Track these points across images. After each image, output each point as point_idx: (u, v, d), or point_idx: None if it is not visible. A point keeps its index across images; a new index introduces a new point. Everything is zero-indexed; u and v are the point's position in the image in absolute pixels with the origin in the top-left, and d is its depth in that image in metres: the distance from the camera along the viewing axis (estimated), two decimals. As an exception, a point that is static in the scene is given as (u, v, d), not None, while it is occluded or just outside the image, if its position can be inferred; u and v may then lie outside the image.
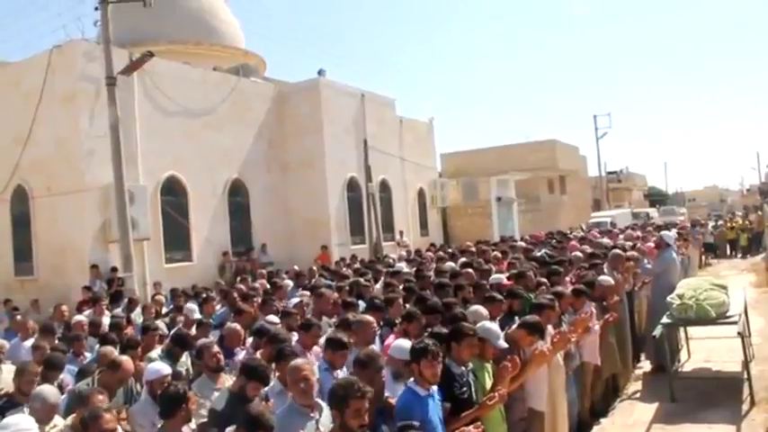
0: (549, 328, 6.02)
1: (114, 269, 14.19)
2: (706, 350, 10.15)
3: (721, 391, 8.39)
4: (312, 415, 4.20)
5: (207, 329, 7.52)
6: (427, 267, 12.04)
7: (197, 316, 8.52)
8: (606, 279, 8.33)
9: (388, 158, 23.48)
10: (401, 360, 4.72)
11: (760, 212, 32.67)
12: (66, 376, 6.38)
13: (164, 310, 10.36)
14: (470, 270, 9.87)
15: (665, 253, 10.33)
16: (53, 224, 15.34)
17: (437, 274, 10.25)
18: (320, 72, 21.55)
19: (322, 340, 6.23)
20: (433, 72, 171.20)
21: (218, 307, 9.68)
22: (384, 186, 23.27)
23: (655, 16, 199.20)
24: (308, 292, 9.75)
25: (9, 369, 6.46)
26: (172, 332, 7.49)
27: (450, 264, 11.53)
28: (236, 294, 9.97)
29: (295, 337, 6.22)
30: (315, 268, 14.09)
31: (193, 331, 7.55)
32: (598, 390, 7.91)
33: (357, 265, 14.28)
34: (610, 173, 51.92)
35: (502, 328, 5.61)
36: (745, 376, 8.28)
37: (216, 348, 5.60)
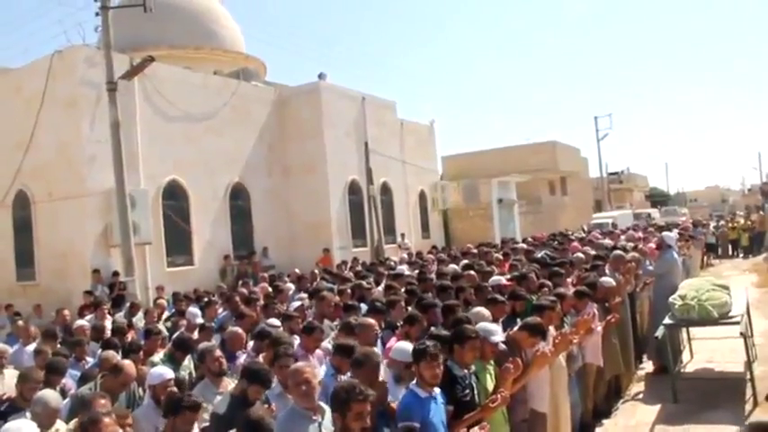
0: (551, 329, 6.03)
1: (116, 273, 14.20)
2: (708, 351, 10.15)
3: (724, 392, 8.39)
4: (315, 418, 4.19)
5: (209, 333, 7.52)
6: (429, 270, 12.05)
7: (200, 320, 8.52)
8: (608, 280, 8.33)
9: (389, 161, 23.48)
10: (402, 362, 4.72)
11: (762, 212, 32.74)
12: (69, 381, 6.39)
13: (165, 315, 10.35)
14: (472, 272, 9.87)
15: (666, 254, 10.34)
16: (55, 229, 15.35)
17: (439, 276, 10.25)
18: (320, 75, 21.57)
19: (324, 344, 6.26)
20: (433, 75, 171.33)
21: (220, 311, 9.69)
22: (385, 189, 23.27)
23: (656, 17, 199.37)
24: (307, 296, 9.77)
25: (12, 374, 6.49)
26: (174, 336, 7.49)
27: (452, 266, 11.54)
28: (237, 298, 9.97)
29: (297, 340, 6.23)
30: (316, 271, 14.09)
31: (196, 335, 7.56)
32: (600, 391, 7.90)
33: (359, 268, 14.29)
34: (611, 174, 51.94)
35: (504, 330, 5.62)
36: (748, 377, 8.27)
37: (218, 352, 5.60)
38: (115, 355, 6.36)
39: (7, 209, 16.26)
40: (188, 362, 6.63)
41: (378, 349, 5.82)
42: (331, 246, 19.70)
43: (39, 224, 15.77)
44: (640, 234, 17.77)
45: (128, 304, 11.64)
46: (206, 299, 10.49)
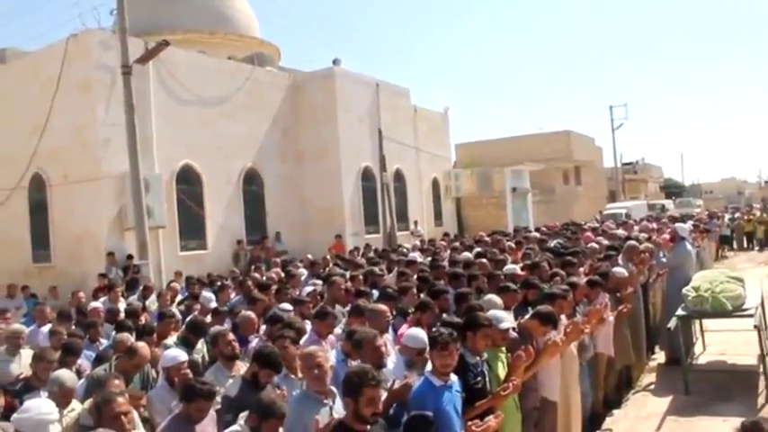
0: (563, 318, 6.03)
1: (130, 257, 14.29)
2: (721, 343, 10.10)
3: (736, 385, 8.35)
4: (326, 402, 4.23)
5: (223, 317, 7.57)
6: (441, 257, 12.05)
7: (213, 305, 8.57)
8: (620, 270, 8.31)
9: (403, 148, 23.46)
10: (415, 349, 4.74)
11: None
12: (84, 362, 6.46)
13: (178, 298, 10.42)
14: (484, 260, 9.86)
15: (680, 245, 10.28)
16: (70, 212, 15.47)
17: (451, 264, 10.25)
18: (335, 61, 21.54)
19: (337, 329, 6.28)
20: (448, 62, 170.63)
21: (232, 295, 9.74)
22: (398, 176, 23.26)
23: (673, 5, 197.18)
24: (320, 281, 9.81)
25: (28, 354, 6.54)
26: (187, 319, 7.55)
27: (465, 254, 11.54)
28: (250, 283, 10.02)
29: (309, 325, 6.26)
30: (329, 257, 14.12)
31: (209, 319, 7.60)
32: (611, 381, 7.90)
33: (371, 255, 14.32)
34: (625, 164, 51.65)
35: (516, 318, 5.63)
36: (761, 370, 8.25)
37: (231, 336, 5.63)
38: (129, 338, 6.42)
39: (23, 191, 16.39)
40: (201, 345, 6.66)
41: (389, 336, 5.85)
42: (344, 232, 19.74)
43: (54, 207, 15.89)
44: (654, 225, 17.67)
45: (141, 287, 11.73)
46: (219, 283, 10.52)
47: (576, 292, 6.87)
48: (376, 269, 10.10)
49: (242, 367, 5.38)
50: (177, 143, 16.56)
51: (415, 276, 8.89)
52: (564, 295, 6.17)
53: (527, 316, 5.85)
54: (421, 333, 4.76)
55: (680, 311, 8.48)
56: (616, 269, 8.34)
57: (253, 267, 14.07)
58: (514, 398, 4.95)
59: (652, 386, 8.75)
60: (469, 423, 4.22)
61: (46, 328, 8.20)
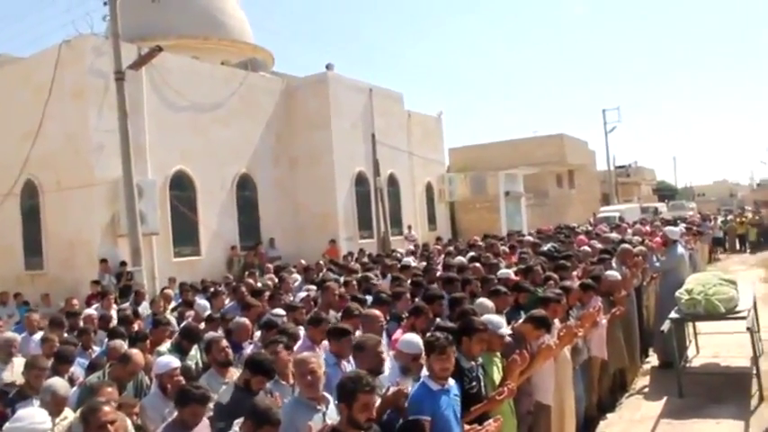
0: (556, 322, 6.04)
1: (123, 263, 14.25)
2: (714, 345, 10.12)
3: (730, 387, 8.38)
4: (319, 408, 4.22)
5: (216, 324, 7.56)
6: (435, 262, 12.06)
7: (208, 312, 8.55)
8: (613, 274, 8.32)
9: (396, 153, 23.47)
10: (410, 354, 4.73)
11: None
12: (77, 369, 6.44)
13: (172, 305, 10.39)
14: (478, 264, 9.88)
15: (672, 249, 10.31)
16: (63, 218, 15.40)
17: (445, 268, 10.27)
18: (328, 66, 21.53)
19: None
20: (441, 67, 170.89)
21: (226, 301, 9.72)
22: (392, 181, 23.27)
23: (665, 9, 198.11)
24: (314, 287, 9.80)
25: (21, 362, 6.53)
26: (181, 325, 7.53)
27: (459, 258, 11.56)
28: (244, 289, 10.01)
29: (302, 331, 6.26)
30: (322, 262, 14.11)
31: (203, 326, 7.59)
32: (605, 384, 7.90)
33: (365, 260, 14.31)
34: (618, 167, 51.79)
35: (508, 322, 5.64)
36: (754, 371, 8.27)
37: (224, 342, 5.63)
38: (123, 345, 6.41)
39: (16, 198, 16.32)
40: (195, 351, 6.66)
41: (384, 341, 5.85)
42: (337, 237, 19.74)
43: (47, 213, 15.83)
44: (648, 228, 17.73)
45: (133, 294, 11.72)
46: (213, 289, 10.52)
47: (570, 295, 6.89)
48: (370, 275, 10.10)
49: (235, 374, 5.37)
50: (170, 149, 16.52)
51: (409, 281, 8.89)
52: (557, 299, 6.18)
53: (521, 320, 5.85)
54: (416, 338, 4.75)
55: (673, 314, 8.49)
56: (609, 272, 8.35)
57: (246, 273, 14.04)
58: (510, 402, 4.96)
59: (646, 389, 8.77)
60: (467, 428, 4.23)
61: (37, 335, 8.18)
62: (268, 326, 6.45)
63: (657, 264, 10.29)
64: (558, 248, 12.35)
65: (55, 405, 4.68)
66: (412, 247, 17.87)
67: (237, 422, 3.85)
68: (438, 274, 9.70)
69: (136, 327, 8.08)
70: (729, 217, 32.59)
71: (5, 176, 16.18)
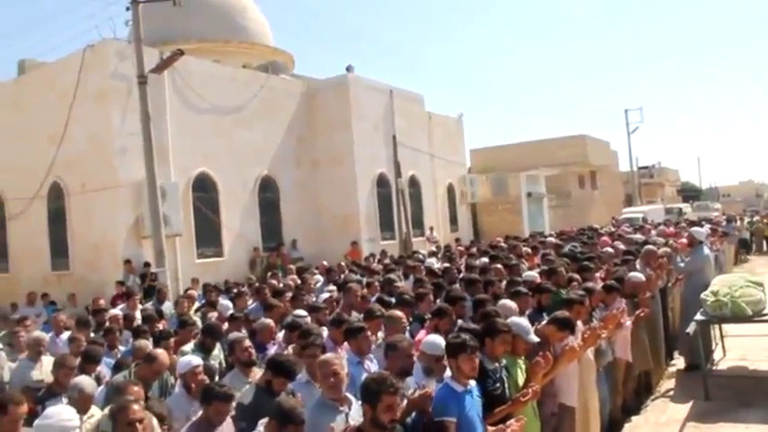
0: (580, 323, 6.00)
1: (147, 264, 14.39)
2: (742, 348, 9.98)
3: (758, 391, 8.23)
4: (341, 409, 4.23)
5: (239, 323, 7.62)
6: (457, 263, 12.05)
7: (231, 312, 8.61)
8: (637, 275, 8.24)
9: (418, 154, 23.48)
10: (433, 356, 4.73)
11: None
12: (103, 368, 6.52)
13: (195, 305, 10.47)
14: (499, 266, 9.84)
15: (697, 250, 10.19)
16: (88, 220, 15.59)
17: (467, 269, 10.26)
18: (348, 68, 21.59)
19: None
20: (461, 68, 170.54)
21: (249, 302, 9.77)
22: (413, 182, 23.28)
23: (688, 7, 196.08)
24: (336, 288, 9.84)
25: (49, 361, 6.64)
26: (203, 324, 7.60)
27: (483, 260, 11.54)
28: (267, 290, 10.06)
29: (325, 331, 6.28)
30: (344, 264, 14.14)
31: (226, 326, 7.64)
32: (630, 386, 7.84)
33: (387, 261, 14.32)
34: (642, 168, 51.29)
35: (531, 324, 5.61)
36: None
37: (247, 342, 5.67)
38: (148, 345, 6.47)
39: (42, 200, 16.55)
40: (218, 351, 6.72)
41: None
42: (359, 238, 19.77)
43: (72, 215, 16.02)
44: (672, 229, 17.55)
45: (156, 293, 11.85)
46: (236, 290, 10.58)
47: (593, 297, 6.85)
48: (393, 276, 10.11)
49: (259, 374, 5.41)
50: (193, 151, 16.66)
51: (431, 282, 8.88)
52: (581, 301, 6.14)
53: (544, 322, 5.83)
54: (439, 339, 4.75)
55: (699, 316, 8.39)
56: (632, 274, 8.28)
57: (269, 274, 14.10)
58: (533, 404, 4.94)
59: (671, 392, 8.66)
60: (491, 429, 4.22)
61: (64, 335, 8.30)
62: (291, 327, 6.48)
63: (682, 265, 10.17)
64: (579, 249, 12.28)
65: (82, 403, 4.76)
66: (434, 249, 17.86)
67: (262, 422, 3.86)
68: (460, 275, 9.68)
69: (160, 326, 8.15)
70: (756, 218, 32.10)
71: (32, 179, 16.39)
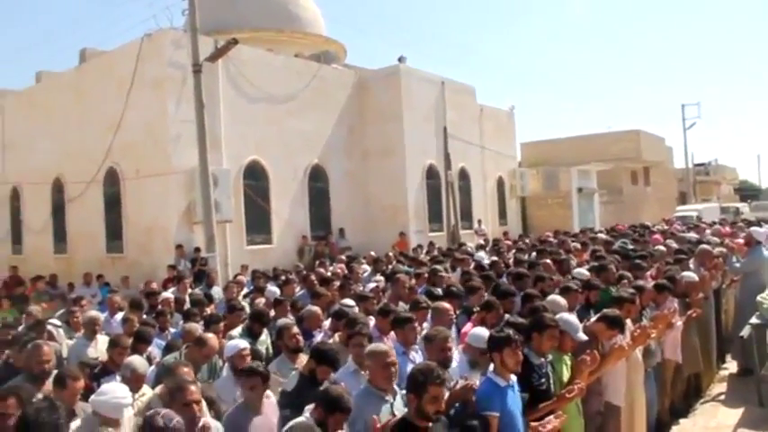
0: (629, 322, 5.91)
1: (198, 249, 14.66)
2: (798, 353, 9.67)
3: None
4: (387, 398, 4.26)
5: (284, 307, 7.73)
6: (505, 257, 11.97)
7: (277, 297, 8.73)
8: (690, 275, 8.06)
9: (468, 147, 23.36)
10: (478, 348, 4.72)
11: None
12: (154, 349, 6.69)
13: (244, 291, 10.64)
14: (548, 261, 9.73)
15: (755, 251, 9.89)
16: (141, 205, 15.96)
17: (515, 264, 10.18)
18: (401, 59, 21.57)
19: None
20: (514, 60, 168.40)
21: (297, 289, 9.88)
22: (463, 174, 23.19)
23: (748, 1, 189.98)
24: (383, 278, 9.87)
25: (104, 340, 6.88)
26: (251, 309, 7.72)
27: (532, 254, 11.45)
28: (314, 277, 10.15)
29: (372, 321, 6.31)
30: (392, 254, 14.17)
31: (273, 312, 7.76)
32: (678, 388, 7.70)
33: (435, 253, 14.30)
34: (697, 165, 50.09)
35: (579, 320, 5.55)
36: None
37: (295, 329, 5.75)
38: (198, 328, 6.61)
39: (99, 185, 16.99)
40: (265, 337, 6.83)
41: (452, 334, 5.86)
42: (407, 229, 19.79)
43: (127, 200, 16.42)
44: (728, 229, 17.07)
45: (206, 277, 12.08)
46: (284, 277, 10.70)
47: (644, 295, 6.73)
48: (439, 267, 10.10)
49: (305, 360, 5.48)
50: (245, 139, 16.88)
51: (479, 275, 8.84)
52: (631, 299, 6.05)
53: (593, 319, 5.76)
54: (485, 332, 4.74)
55: (754, 319, 8.16)
56: (686, 273, 8.10)
57: (317, 262, 14.22)
58: (577, 401, 4.91)
59: (722, 396, 8.44)
60: (534, 424, 4.20)
61: (118, 316, 8.54)
62: (338, 315, 6.54)
63: (738, 266, 9.90)
64: (630, 246, 12.05)
65: (135, 381, 4.90)
66: (482, 242, 17.76)
67: (308, 408, 3.91)
68: (508, 269, 9.61)
69: (209, 310, 8.31)
70: (818, 219, 31.01)
71: (90, 164, 16.85)
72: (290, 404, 4.37)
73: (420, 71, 21.74)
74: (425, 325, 6.15)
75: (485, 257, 12.05)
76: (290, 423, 3.54)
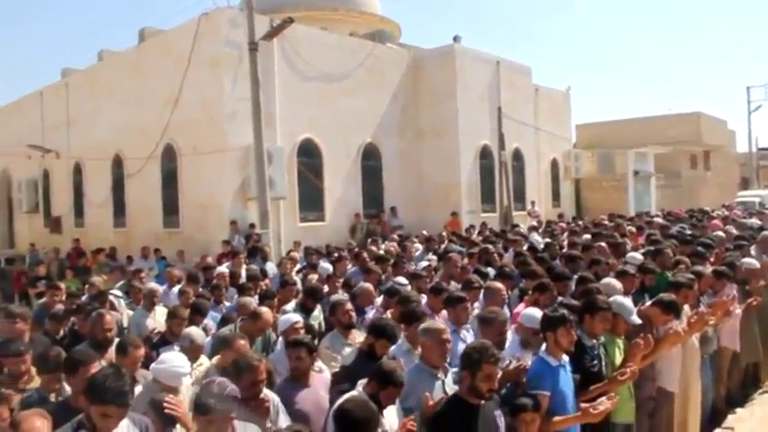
0: (686, 308, 5.82)
1: (252, 225, 14.86)
2: None
3: None
4: (439, 376, 4.30)
5: (334, 282, 7.84)
6: (559, 239, 11.87)
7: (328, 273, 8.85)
8: (751, 262, 7.86)
9: (522, 127, 23.06)
10: (531, 328, 4.72)
11: None
12: (209, 322, 6.87)
13: (297, 267, 10.80)
14: (604, 244, 9.60)
15: (822, 239, 9.57)
16: (197, 181, 16.23)
17: (570, 246, 10.09)
18: (455, 38, 21.34)
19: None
20: (571, 40, 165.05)
21: (349, 266, 9.99)
22: (517, 155, 22.93)
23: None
24: (435, 257, 9.90)
25: (162, 311, 7.10)
26: (305, 285, 7.85)
27: (585, 236, 11.32)
28: (366, 255, 10.23)
29: (424, 299, 6.35)
30: (445, 234, 14.16)
31: (326, 288, 7.87)
32: (735, 378, 7.56)
33: (487, 233, 14.25)
34: (762, 149, 48.34)
35: (634, 304, 5.50)
36: None
37: (349, 305, 5.82)
38: (252, 301, 6.76)
39: (157, 161, 17.36)
40: (318, 312, 6.94)
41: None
42: (460, 209, 19.72)
43: (183, 176, 16.72)
44: (793, 216, 16.52)
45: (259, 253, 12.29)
46: (336, 254, 10.82)
47: (702, 281, 6.61)
48: (491, 247, 10.07)
49: (358, 336, 5.55)
50: (299, 117, 16.99)
51: (533, 257, 8.80)
52: (689, 284, 5.96)
53: (648, 303, 5.69)
54: (538, 313, 4.73)
55: (817, 308, 7.92)
56: (746, 260, 7.91)
57: (369, 240, 14.31)
58: (629, 385, 4.88)
59: (782, 387, 8.25)
60: (585, 405, 4.19)
61: (176, 288, 8.77)
62: (390, 292, 6.59)
63: (803, 253, 9.59)
64: (688, 231, 11.80)
65: (193, 352, 5.06)
66: (535, 223, 17.60)
67: (361, 382, 3.97)
68: (561, 250, 9.54)
69: (263, 285, 8.47)
70: None
71: (149, 141, 17.21)
72: (348, 378, 4.44)
73: (475, 50, 21.48)
74: (476, 305, 6.17)
75: (539, 239, 11.95)
76: (345, 396, 3.61)
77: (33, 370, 4.72)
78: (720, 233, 11.27)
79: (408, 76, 20.50)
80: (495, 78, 21.66)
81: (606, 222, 14.58)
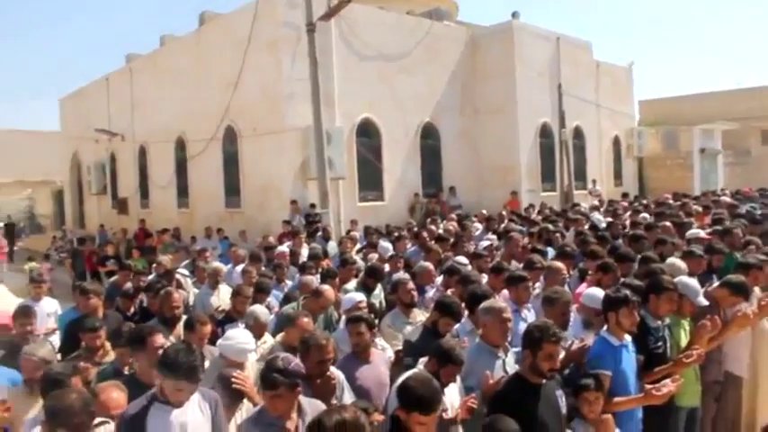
0: (757, 290, 5.65)
1: (312, 205, 15.02)
2: None
3: None
4: (500, 355, 4.31)
5: (396, 262, 7.88)
6: (621, 218, 11.65)
7: (390, 254, 8.91)
8: (828, 244, 7.57)
9: (583, 104, 22.59)
10: (593, 309, 4.68)
11: None
12: (272, 300, 7.01)
13: (357, 246, 10.89)
14: (668, 224, 9.38)
15: None
16: (257, 162, 16.48)
17: (632, 226, 9.90)
18: (514, 15, 21.03)
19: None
20: (633, 13, 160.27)
21: (408, 245, 10.02)
22: (578, 133, 22.51)
23: None
24: (496, 237, 9.85)
25: (226, 290, 7.29)
26: (366, 265, 7.92)
27: (644, 215, 11.08)
28: (425, 234, 10.24)
29: (484, 278, 6.34)
30: (504, 213, 14.06)
31: (386, 268, 7.93)
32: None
33: (547, 212, 14.08)
34: (837, 124, 46.30)
35: (701, 285, 5.37)
36: None
37: (411, 285, 5.86)
38: (314, 280, 6.88)
39: (218, 142, 17.69)
40: (379, 291, 7.01)
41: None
42: (519, 189, 19.50)
43: (244, 157, 17.00)
44: None
45: (320, 232, 12.42)
46: (396, 234, 10.86)
47: (773, 263, 6.38)
48: (550, 226, 9.96)
49: (419, 315, 5.59)
50: (357, 97, 17.02)
51: (594, 236, 8.68)
52: (760, 265, 5.77)
53: (715, 284, 5.55)
54: (600, 293, 4.69)
55: None
56: (823, 242, 7.61)
57: (428, 220, 14.32)
58: (695, 368, 4.79)
59: None
60: (649, 386, 4.14)
61: (239, 267, 8.97)
62: (450, 271, 6.60)
63: None
64: (759, 211, 11.42)
65: (257, 329, 5.20)
66: (596, 203, 17.30)
67: (422, 360, 4.01)
68: (623, 229, 9.37)
69: (324, 264, 8.59)
70: None
71: (210, 123, 17.53)
72: (412, 354, 4.49)
73: (534, 27, 21.09)
74: (537, 284, 6.13)
75: (601, 218, 11.74)
76: (407, 373, 3.65)
77: (108, 345, 4.94)
78: (793, 212, 10.88)
79: (466, 54, 20.28)
80: (555, 55, 21.24)
81: (671, 202, 14.20)
